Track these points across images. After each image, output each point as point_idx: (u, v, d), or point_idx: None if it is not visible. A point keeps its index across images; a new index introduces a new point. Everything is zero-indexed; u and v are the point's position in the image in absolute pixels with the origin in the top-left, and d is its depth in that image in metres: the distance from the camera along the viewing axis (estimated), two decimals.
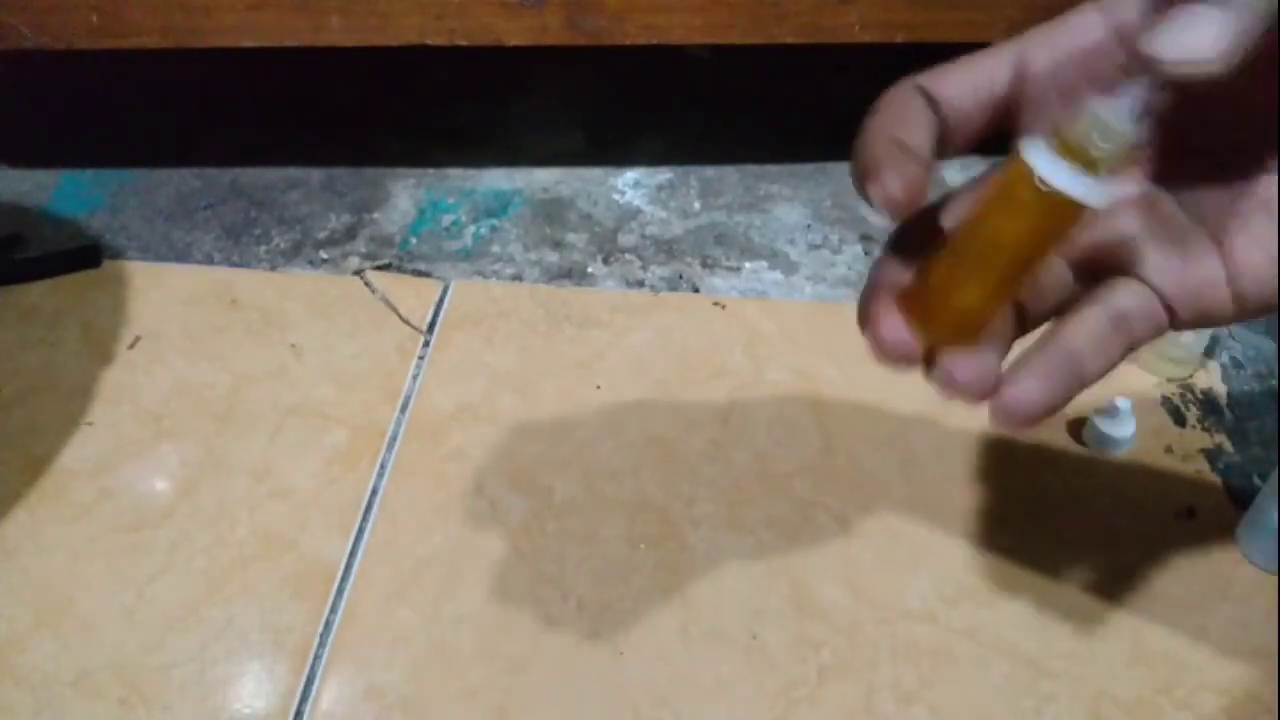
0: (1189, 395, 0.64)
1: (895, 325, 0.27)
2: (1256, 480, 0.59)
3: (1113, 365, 0.28)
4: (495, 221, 0.78)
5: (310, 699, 0.50)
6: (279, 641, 0.52)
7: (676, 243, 0.76)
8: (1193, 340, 0.63)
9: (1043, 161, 0.24)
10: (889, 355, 0.27)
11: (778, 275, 0.73)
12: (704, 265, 0.74)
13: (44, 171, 0.82)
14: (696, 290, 0.72)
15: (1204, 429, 0.62)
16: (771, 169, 0.82)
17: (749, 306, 0.70)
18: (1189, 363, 0.64)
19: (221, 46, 0.66)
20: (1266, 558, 0.54)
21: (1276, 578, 0.54)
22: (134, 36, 0.66)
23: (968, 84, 0.27)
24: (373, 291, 0.72)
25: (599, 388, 0.64)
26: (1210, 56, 0.22)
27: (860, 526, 0.57)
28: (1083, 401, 0.65)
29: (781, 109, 0.89)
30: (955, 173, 0.83)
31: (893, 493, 0.59)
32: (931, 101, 0.27)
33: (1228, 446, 0.61)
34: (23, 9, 0.64)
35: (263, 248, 0.76)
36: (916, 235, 0.28)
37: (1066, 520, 0.57)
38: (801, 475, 0.59)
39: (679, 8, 0.64)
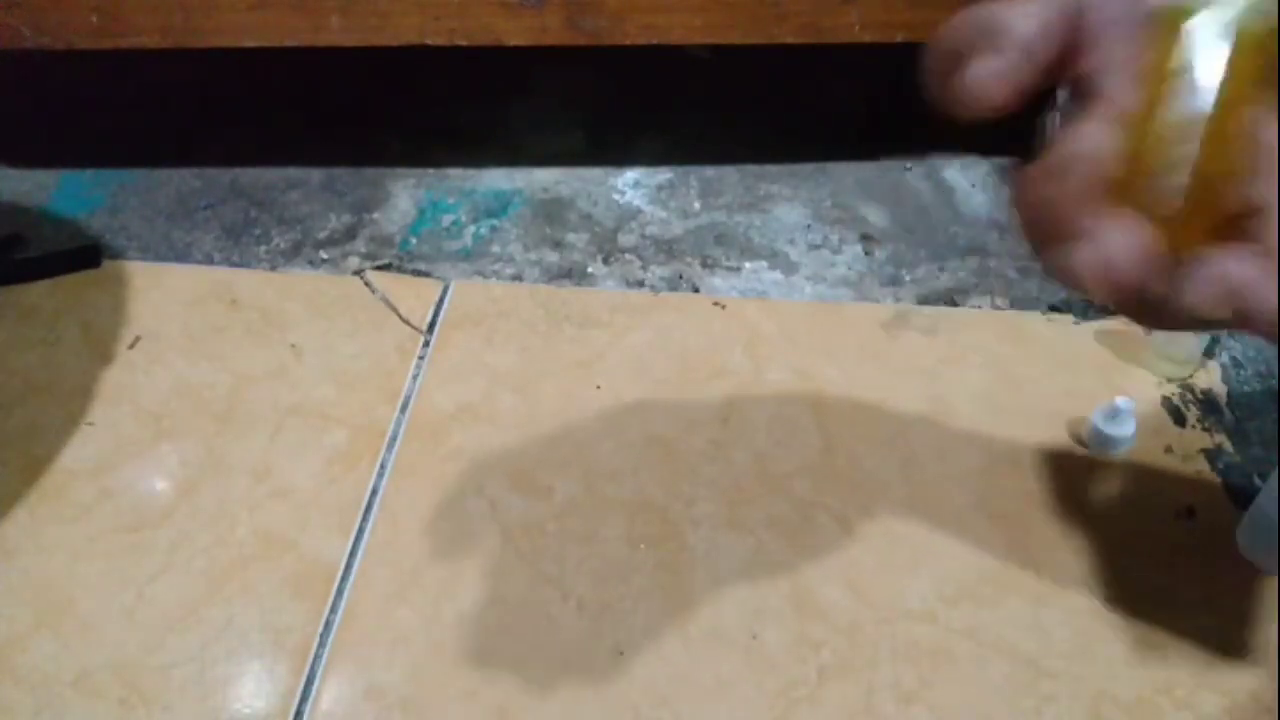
0: (1189, 395, 0.64)
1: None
2: (1256, 480, 0.59)
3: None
4: (495, 221, 0.78)
5: (310, 699, 0.50)
6: (279, 641, 0.52)
7: (676, 243, 0.76)
8: (1193, 340, 0.63)
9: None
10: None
11: (778, 275, 0.73)
12: (704, 265, 0.74)
13: (44, 171, 0.82)
14: (696, 290, 0.72)
15: (1204, 429, 0.62)
16: (771, 169, 0.82)
17: (749, 306, 0.70)
18: (1189, 363, 0.64)
19: (221, 46, 0.66)
20: (1266, 557, 0.54)
21: (1276, 578, 0.54)
22: (134, 36, 0.66)
23: (1033, 13, 0.24)
24: (373, 291, 0.72)
25: (599, 388, 0.64)
26: None
27: (860, 527, 0.57)
28: (1083, 401, 0.65)
29: (781, 109, 0.89)
30: (955, 172, 0.84)
31: (893, 493, 0.59)
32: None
33: (1228, 446, 0.61)
34: (22, 9, 0.64)
35: (263, 248, 0.76)
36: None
37: (1066, 520, 0.57)
38: (801, 475, 0.59)
39: (679, 8, 0.65)
